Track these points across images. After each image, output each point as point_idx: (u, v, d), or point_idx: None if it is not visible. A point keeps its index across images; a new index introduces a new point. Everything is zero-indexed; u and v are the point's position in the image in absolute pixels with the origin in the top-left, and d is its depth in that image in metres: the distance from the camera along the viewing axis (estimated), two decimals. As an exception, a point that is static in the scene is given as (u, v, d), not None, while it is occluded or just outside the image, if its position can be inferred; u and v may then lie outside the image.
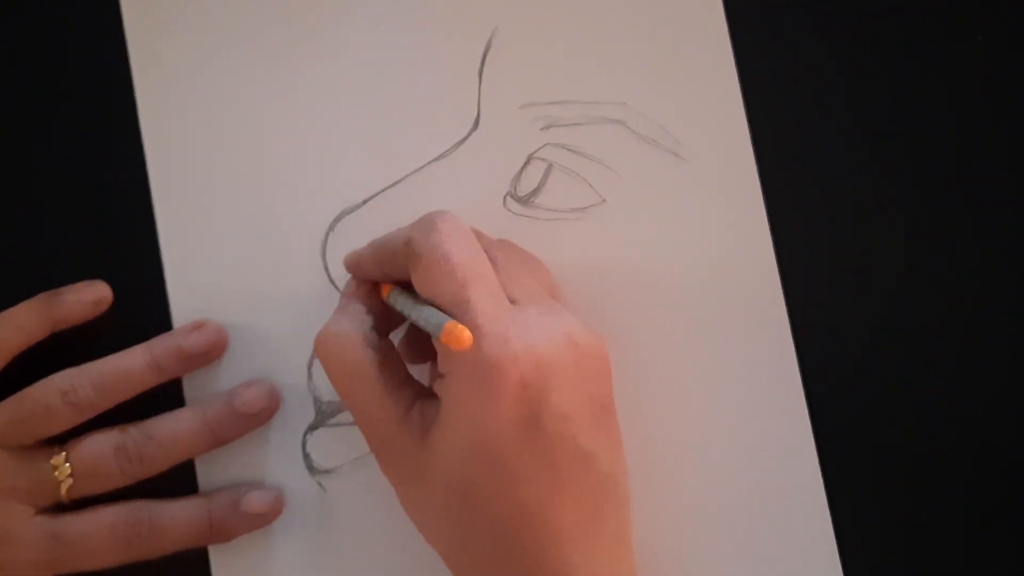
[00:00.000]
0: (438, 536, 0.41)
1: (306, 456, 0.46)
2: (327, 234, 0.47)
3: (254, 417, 0.46)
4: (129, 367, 0.45)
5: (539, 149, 0.47)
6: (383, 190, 0.47)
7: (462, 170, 0.47)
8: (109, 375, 0.44)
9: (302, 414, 0.47)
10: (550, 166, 0.47)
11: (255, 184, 0.47)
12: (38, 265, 0.47)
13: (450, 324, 0.38)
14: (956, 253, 0.47)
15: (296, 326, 0.47)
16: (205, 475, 0.46)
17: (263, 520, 0.45)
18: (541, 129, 0.48)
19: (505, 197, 0.47)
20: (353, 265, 0.45)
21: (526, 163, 0.47)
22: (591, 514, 0.40)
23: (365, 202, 0.47)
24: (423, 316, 0.40)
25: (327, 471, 0.46)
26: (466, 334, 0.38)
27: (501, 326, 0.39)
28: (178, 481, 0.46)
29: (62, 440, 0.44)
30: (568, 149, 0.47)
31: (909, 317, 0.47)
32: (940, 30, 0.48)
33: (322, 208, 0.47)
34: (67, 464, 0.44)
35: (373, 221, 0.47)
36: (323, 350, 0.42)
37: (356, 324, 0.42)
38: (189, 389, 0.46)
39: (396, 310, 0.42)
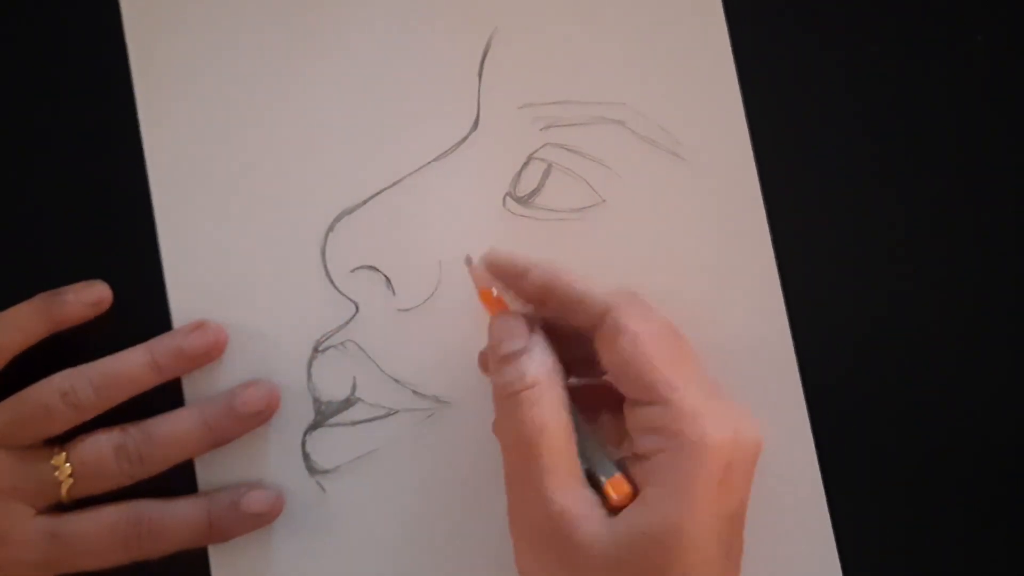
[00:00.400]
0: None
1: (306, 456, 0.46)
2: (327, 234, 0.47)
3: (253, 417, 0.46)
4: (129, 367, 0.45)
5: (539, 149, 0.47)
6: (383, 190, 0.47)
7: (462, 170, 0.47)
8: (109, 375, 0.44)
9: (302, 414, 0.47)
10: (550, 166, 0.47)
11: (255, 184, 0.47)
12: (38, 265, 0.47)
13: (620, 478, 0.39)
14: (956, 253, 0.47)
15: (296, 326, 0.47)
16: (205, 475, 0.46)
17: (263, 520, 0.45)
18: (541, 129, 0.48)
19: (505, 197, 0.47)
20: (516, 269, 0.42)
21: (526, 163, 0.47)
22: None
23: (365, 202, 0.47)
24: (595, 453, 0.40)
25: (327, 471, 0.46)
26: (627, 492, 0.38)
27: (711, 411, 0.39)
28: (178, 481, 0.46)
29: (62, 440, 0.44)
30: (568, 149, 0.47)
31: (908, 317, 0.47)
32: (940, 30, 0.48)
33: (322, 208, 0.47)
34: (67, 464, 0.44)
35: (373, 221, 0.47)
36: (513, 401, 0.39)
37: (551, 376, 0.40)
38: (189, 389, 0.46)
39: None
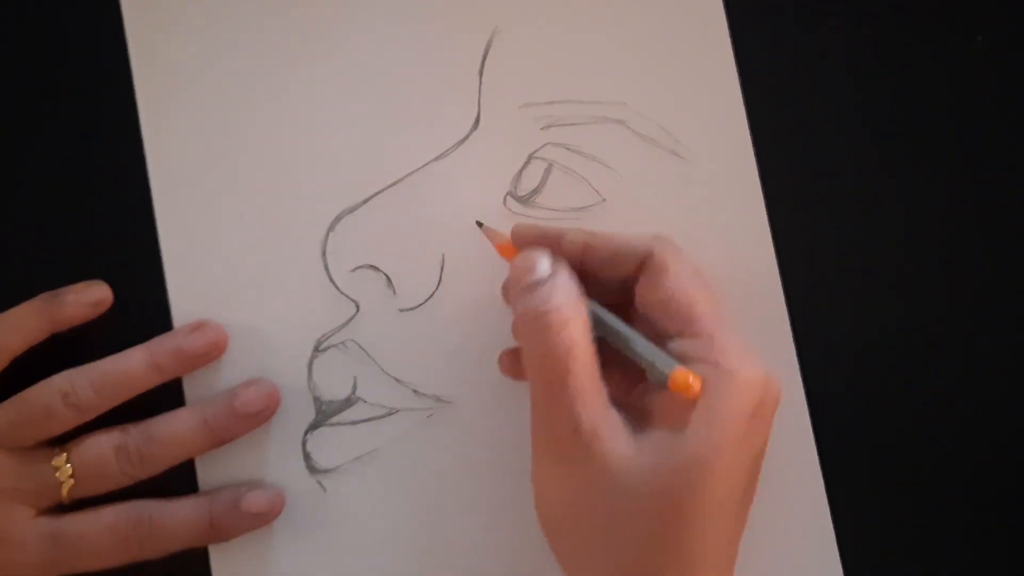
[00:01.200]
0: (595, 537, 0.40)
1: (306, 456, 0.46)
2: (327, 234, 0.47)
3: (254, 417, 0.46)
4: (129, 368, 0.45)
5: (539, 149, 0.47)
6: (383, 190, 0.47)
7: (462, 169, 0.47)
8: (109, 376, 0.44)
9: (302, 414, 0.47)
10: (550, 166, 0.47)
11: (255, 184, 0.47)
12: (39, 265, 0.47)
13: (683, 372, 0.39)
14: (957, 253, 0.47)
15: (297, 326, 0.47)
16: (205, 475, 0.46)
17: (263, 520, 0.45)
18: (541, 129, 0.47)
19: (505, 197, 0.47)
20: (549, 236, 0.43)
21: (526, 163, 0.47)
22: (735, 541, 0.41)
23: (365, 202, 0.47)
24: (643, 349, 0.40)
25: (327, 471, 0.46)
26: (698, 385, 0.39)
27: (745, 351, 0.40)
28: (179, 481, 0.46)
29: (63, 441, 0.44)
30: (568, 148, 0.47)
31: (909, 317, 0.47)
32: (940, 30, 0.48)
33: (322, 208, 0.47)
34: (68, 465, 0.44)
35: (374, 220, 0.47)
36: (538, 325, 0.40)
37: (572, 298, 0.40)
38: (189, 389, 0.46)
39: (598, 333, 0.41)
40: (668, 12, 0.48)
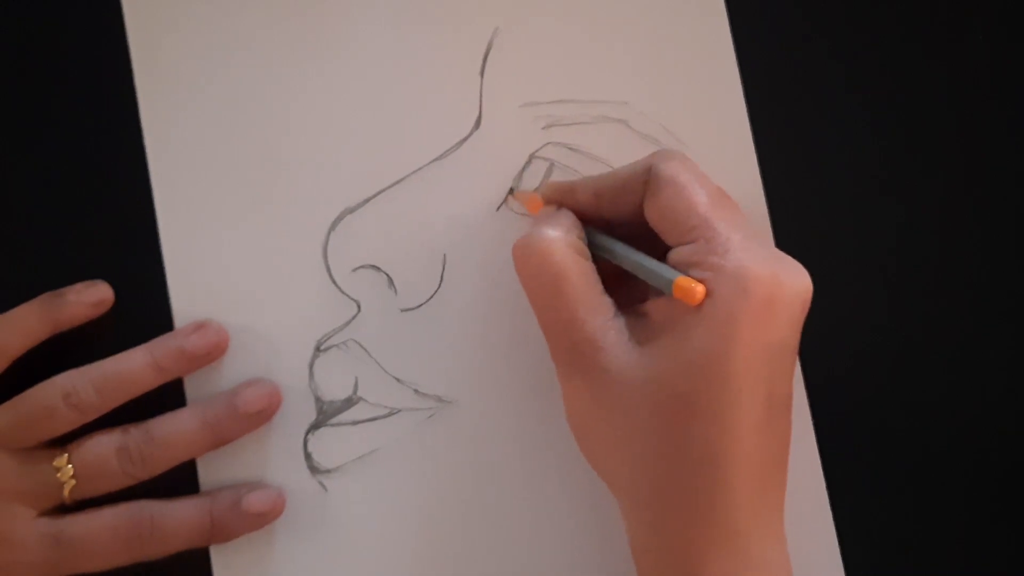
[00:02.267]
0: (624, 452, 0.40)
1: (307, 456, 0.46)
2: (328, 234, 0.47)
3: (255, 416, 0.46)
4: (131, 368, 0.44)
5: (540, 148, 0.47)
6: (385, 189, 0.47)
7: (464, 169, 0.47)
8: (111, 376, 0.44)
9: (303, 414, 0.46)
10: (551, 165, 0.47)
11: (256, 184, 0.47)
12: (40, 265, 0.47)
13: (685, 279, 0.39)
14: (957, 252, 0.47)
15: (297, 326, 0.47)
16: (207, 475, 0.46)
17: (264, 520, 0.45)
18: (542, 128, 0.47)
19: (507, 196, 0.47)
20: (560, 193, 0.44)
21: (528, 162, 0.47)
22: (776, 461, 0.41)
23: (367, 201, 0.47)
24: (645, 264, 0.41)
25: (328, 471, 0.46)
26: (700, 289, 0.39)
27: (752, 249, 0.39)
28: (180, 481, 0.46)
29: (64, 442, 0.44)
30: (569, 148, 0.47)
31: (910, 316, 0.47)
32: (940, 30, 0.48)
33: (324, 207, 0.47)
34: (69, 466, 0.44)
35: (375, 220, 0.47)
36: (527, 253, 0.42)
37: (563, 231, 0.42)
38: (190, 389, 0.46)
39: (596, 252, 0.43)
40: (670, 11, 0.48)
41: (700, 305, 0.39)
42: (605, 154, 0.47)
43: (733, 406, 0.39)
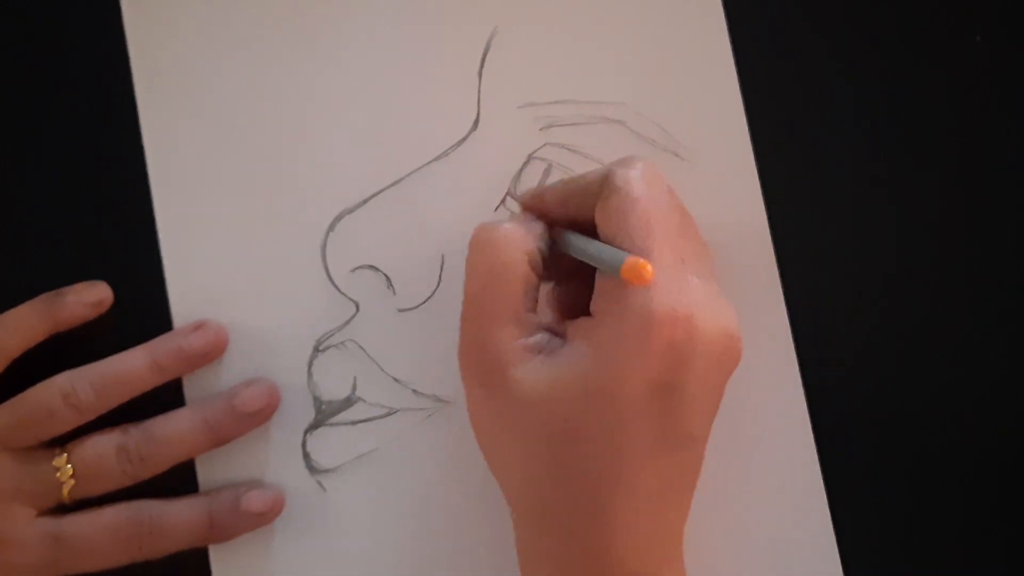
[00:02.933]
0: (513, 462, 0.41)
1: (306, 456, 0.46)
2: (327, 234, 0.47)
3: (254, 416, 0.46)
4: (130, 368, 0.45)
5: (539, 149, 0.47)
6: (383, 190, 0.47)
7: (462, 170, 0.47)
8: (110, 376, 0.44)
9: (302, 413, 0.47)
10: (550, 166, 0.47)
11: (255, 184, 0.47)
12: (39, 266, 0.47)
13: (634, 259, 0.38)
14: (956, 253, 0.47)
15: (296, 326, 0.47)
16: (206, 474, 0.46)
17: (263, 519, 0.45)
18: (541, 129, 0.48)
19: (505, 196, 0.47)
20: (533, 198, 0.44)
21: (526, 163, 0.47)
22: (670, 491, 0.40)
23: (365, 202, 0.47)
24: (601, 250, 0.40)
25: (327, 471, 0.46)
26: (649, 270, 0.37)
27: (674, 284, 0.39)
28: (179, 481, 0.46)
29: (63, 441, 0.44)
30: (568, 149, 0.47)
31: (909, 316, 0.47)
32: (939, 30, 0.48)
33: (322, 208, 0.47)
34: (69, 465, 0.44)
35: (373, 221, 0.47)
36: (485, 238, 0.41)
37: (530, 236, 0.42)
38: (189, 389, 0.46)
39: (564, 250, 0.42)
40: (668, 12, 0.48)
41: (596, 335, 0.39)
42: (603, 155, 0.47)
43: (616, 435, 0.39)
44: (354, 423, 0.47)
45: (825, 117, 0.48)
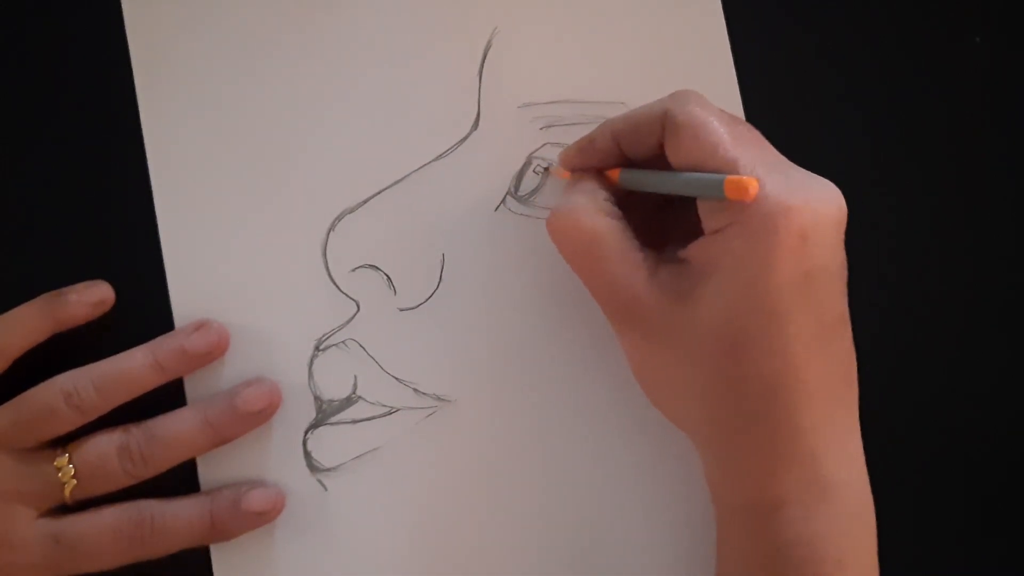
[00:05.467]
0: (688, 395, 0.41)
1: (307, 455, 0.46)
2: (328, 234, 0.47)
3: (255, 416, 0.46)
4: (131, 368, 0.45)
5: (539, 148, 0.48)
6: (384, 189, 0.47)
7: (462, 169, 0.47)
8: (111, 376, 0.44)
9: (303, 413, 0.47)
10: (550, 165, 0.47)
11: (256, 184, 0.47)
12: (40, 265, 0.47)
13: (733, 178, 0.38)
14: (955, 253, 0.47)
15: (297, 326, 0.47)
16: (207, 474, 0.46)
17: (264, 519, 0.45)
18: (541, 128, 0.48)
19: (505, 196, 0.47)
20: (581, 152, 0.45)
21: (526, 162, 0.47)
22: (840, 381, 0.40)
23: (366, 201, 0.47)
24: (694, 180, 0.40)
25: (328, 470, 0.46)
26: (754, 183, 0.38)
27: (777, 179, 0.39)
28: (180, 480, 0.46)
29: (64, 442, 0.44)
30: (568, 148, 0.47)
31: (908, 317, 0.47)
32: (939, 31, 0.48)
33: (323, 207, 0.47)
34: (70, 466, 0.44)
35: (374, 220, 0.47)
36: (559, 223, 0.43)
37: (590, 197, 0.43)
38: (190, 389, 0.46)
39: (634, 189, 0.43)
40: (667, 12, 0.48)
41: (730, 247, 0.39)
42: (603, 154, 0.47)
43: (781, 337, 0.39)
44: (355, 422, 0.47)
45: (824, 118, 0.48)
